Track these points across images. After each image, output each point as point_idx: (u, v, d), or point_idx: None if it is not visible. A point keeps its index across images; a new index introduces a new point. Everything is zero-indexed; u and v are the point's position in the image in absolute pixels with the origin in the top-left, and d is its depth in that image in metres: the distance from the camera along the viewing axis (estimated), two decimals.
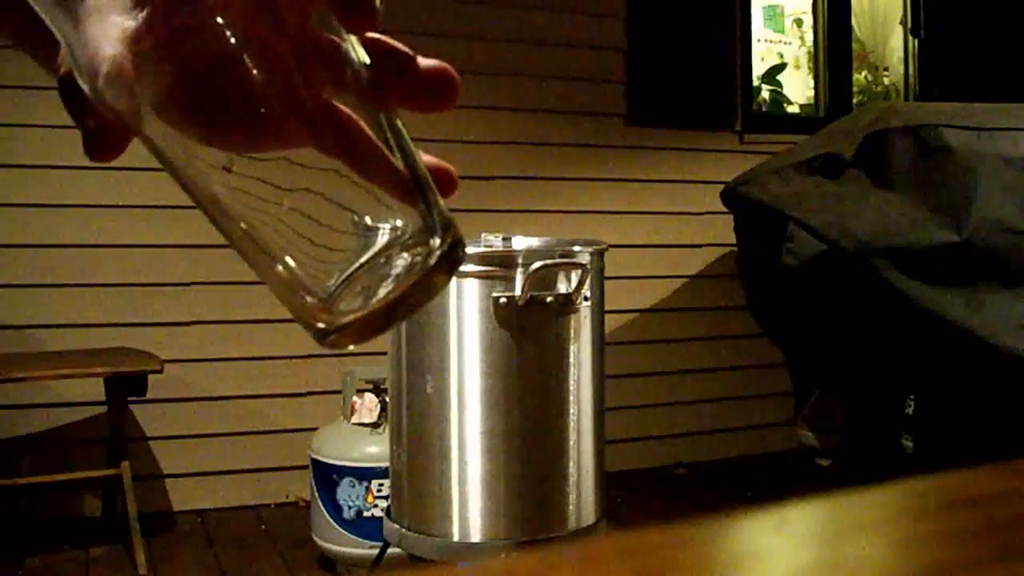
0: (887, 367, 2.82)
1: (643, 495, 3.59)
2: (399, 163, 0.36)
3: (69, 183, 3.17)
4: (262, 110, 0.34)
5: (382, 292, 0.35)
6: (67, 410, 3.16)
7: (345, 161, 0.35)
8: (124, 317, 3.23)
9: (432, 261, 0.36)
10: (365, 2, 0.34)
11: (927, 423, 2.76)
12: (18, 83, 3.00)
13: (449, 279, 0.36)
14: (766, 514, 0.34)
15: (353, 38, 0.36)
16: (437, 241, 0.36)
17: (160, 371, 2.80)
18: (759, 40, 4.65)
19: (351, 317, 0.35)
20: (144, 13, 0.32)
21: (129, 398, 2.93)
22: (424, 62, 0.37)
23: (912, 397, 2.80)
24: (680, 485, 3.78)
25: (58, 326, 3.16)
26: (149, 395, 2.90)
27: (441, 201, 0.37)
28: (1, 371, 2.70)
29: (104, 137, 0.34)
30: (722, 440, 4.03)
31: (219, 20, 0.32)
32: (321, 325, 0.36)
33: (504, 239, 2.06)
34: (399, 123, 0.37)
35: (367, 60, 0.36)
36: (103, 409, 2.99)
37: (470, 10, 3.69)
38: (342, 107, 0.35)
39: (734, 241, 3.35)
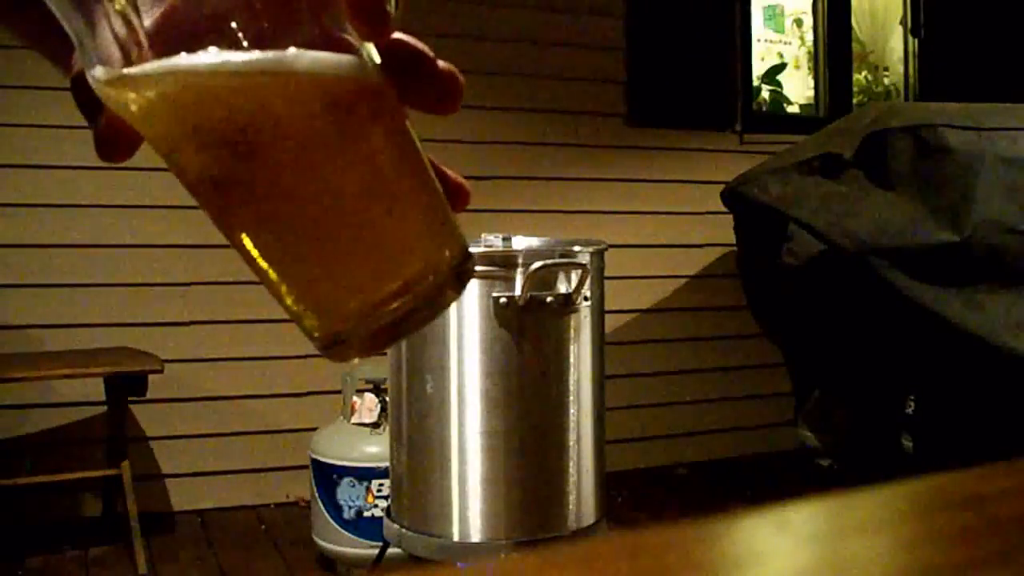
0: (887, 367, 2.82)
1: (643, 495, 3.59)
2: None
3: (69, 183, 3.17)
4: None
5: (391, 304, 0.34)
6: (67, 410, 3.16)
7: None
8: (124, 317, 3.23)
9: (443, 275, 0.35)
10: (377, 9, 0.33)
11: (927, 423, 2.76)
12: (18, 83, 3.00)
13: (459, 294, 0.35)
14: (766, 514, 0.34)
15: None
16: (448, 254, 0.36)
17: (160, 371, 2.80)
18: (759, 40, 4.64)
19: (359, 329, 0.35)
20: (159, 16, 0.32)
21: (129, 398, 2.93)
22: (441, 63, 0.37)
23: (912, 397, 2.79)
24: (680, 485, 3.78)
25: (58, 326, 3.16)
26: (149, 395, 2.89)
27: (452, 214, 0.36)
28: (1, 371, 2.71)
29: (115, 138, 0.34)
30: (722, 440, 4.03)
31: (233, 24, 0.31)
32: (327, 335, 0.35)
33: (504, 239, 2.06)
34: (411, 130, 0.35)
35: (379, 62, 0.35)
36: (103, 409, 2.99)
37: (470, 10, 3.69)
38: None
39: (734, 241, 3.35)
